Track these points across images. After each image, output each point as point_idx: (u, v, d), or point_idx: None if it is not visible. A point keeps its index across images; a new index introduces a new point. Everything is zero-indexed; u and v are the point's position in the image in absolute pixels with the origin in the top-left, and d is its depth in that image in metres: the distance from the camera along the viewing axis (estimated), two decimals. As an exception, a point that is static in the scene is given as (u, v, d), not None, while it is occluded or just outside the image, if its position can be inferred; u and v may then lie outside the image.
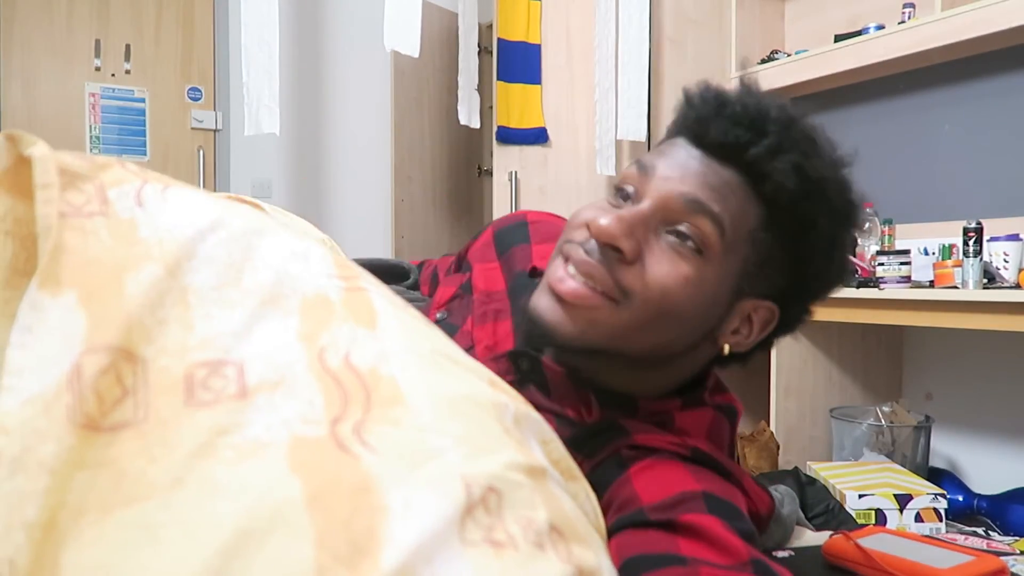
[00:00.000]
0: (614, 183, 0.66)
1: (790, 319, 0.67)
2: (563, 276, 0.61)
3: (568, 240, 0.63)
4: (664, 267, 0.59)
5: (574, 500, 0.45)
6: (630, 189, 0.63)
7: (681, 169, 0.61)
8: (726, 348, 0.66)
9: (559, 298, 0.60)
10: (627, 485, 0.59)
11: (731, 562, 0.52)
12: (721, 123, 0.60)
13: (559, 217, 0.87)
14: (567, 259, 0.62)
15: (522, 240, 0.83)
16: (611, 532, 0.55)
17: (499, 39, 2.83)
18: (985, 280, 1.95)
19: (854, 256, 0.71)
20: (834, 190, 0.62)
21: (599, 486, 0.57)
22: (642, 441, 0.62)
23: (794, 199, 0.59)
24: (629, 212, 0.60)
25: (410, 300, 0.89)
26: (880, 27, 2.45)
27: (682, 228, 0.59)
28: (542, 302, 0.62)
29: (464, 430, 0.36)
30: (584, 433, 0.64)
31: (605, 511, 0.55)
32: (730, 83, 2.41)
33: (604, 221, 0.59)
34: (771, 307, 0.65)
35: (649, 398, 0.68)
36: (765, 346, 0.69)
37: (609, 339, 0.61)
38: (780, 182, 0.58)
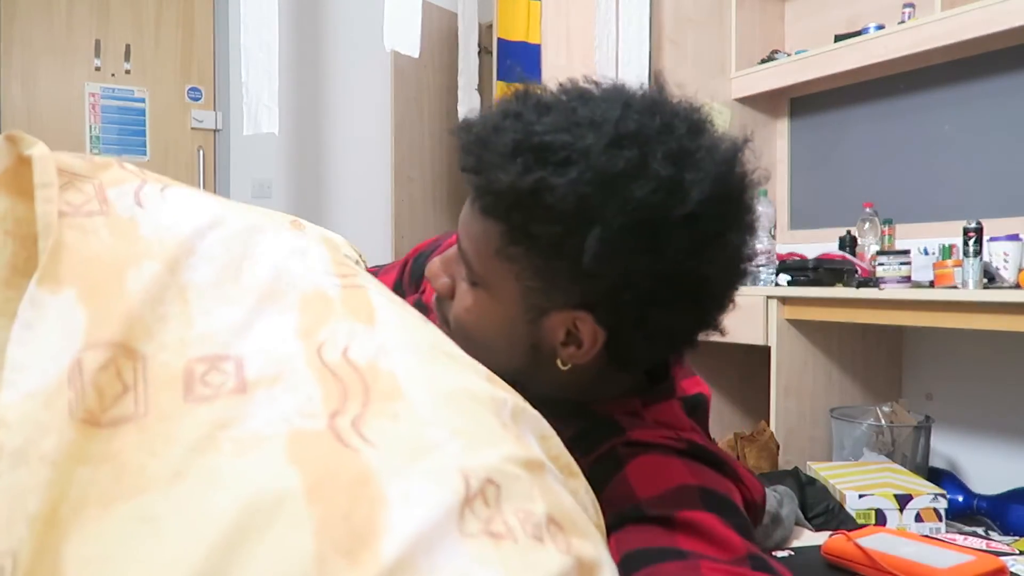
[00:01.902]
0: None
1: (629, 336, 0.60)
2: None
3: None
4: (458, 302, 0.64)
5: (573, 496, 0.45)
6: None
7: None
8: (559, 363, 0.62)
9: None
10: (623, 482, 0.59)
11: (729, 557, 0.52)
12: (459, 154, 0.61)
13: None
14: None
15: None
16: (609, 528, 0.55)
17: (499, 39, 2.83)
18: (985, 280, 1.95)
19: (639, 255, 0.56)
20: (545, 192, 0.53)
21: (596, 483, 0.57)
22: (637, 437, 0.63)
23: (500, 213, 0.57)
24: (444, 252, 0.66)
25: None
26: (880, 27, 2.45)
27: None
28: None
29: (462, 424, 0.37)
30: (580, 431, 0.64)
31: (603, 508, 0.56)
32: (730, 82, 2.40)
33: (431, 262, 0.66)
34: (583, 316, 0.59)
35: (598, 402, 0.68)
36: (620, 362, 0.63)
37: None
38: (481, 203, 0.59)
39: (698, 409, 0.72)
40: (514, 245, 0.57)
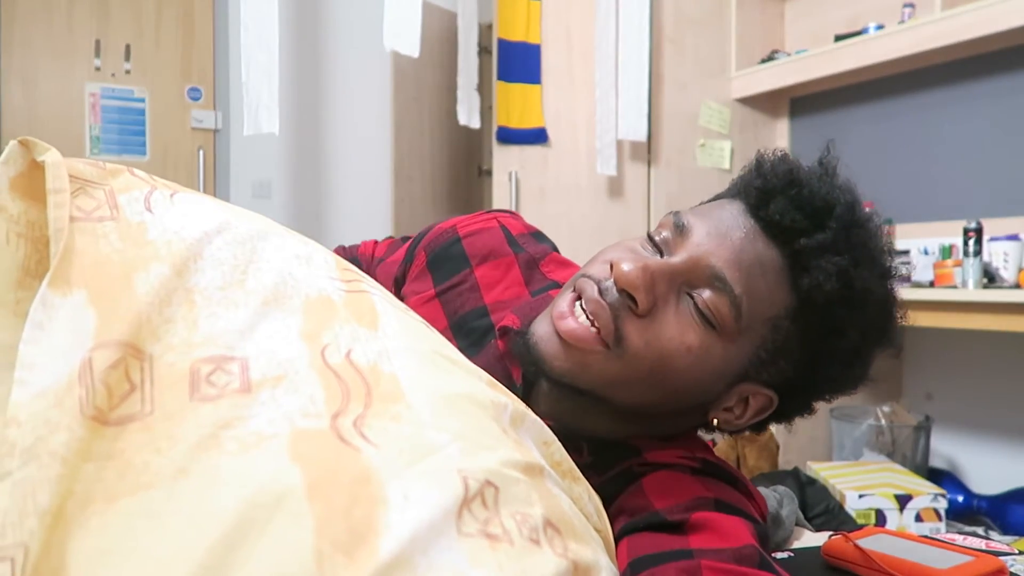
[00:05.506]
0: (648, 231, 0.63)
1: (788, 411, 0.65)
2: (566, 313, 0.59)
3: (585, 275, 0.61)
4: (671, 331, 0.57)
5: (576, 502, 0.45)
6: (663, 240, 0.61)
7: (719, 238, 0.58)
8: (715, 422, 0.64)
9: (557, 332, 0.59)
10: (639, 494, 0.59)
11: (738, 544, 0.52)
12: (782, 202, 0.57)
13: (491, 215, 0.81)
14: (579, 295, 0.60)
15: (461, 264, 0.77)
16: (622, 535, 0.56)
17: (499, 39, 2.84)
18: (985, 280, 1.95)
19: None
20: (875, 305, 0.59)
21: (609, 497, 0.57)
22: (653, 459, 0.63)
23: (830, 302, 0.56)
24: (656, 265, 0.58)
25: None
26: (880, 27, 2.45)
27: (702, 298, 0.57)
28: (542, 328, 0.60)
29: (462, 427, 0.37)
30: (598, 456, 0.64)
31: (615, 518, 0.56)
32: (730, 82, 2.39)
33: (627, 267, 0.57)
34: (771, 396, 0.62)
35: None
36: (755, 429, 0.66)
37: (598, 385, 0.60)
38: (820, 282, 0.55)
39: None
40: (795, 323, 0.58)
